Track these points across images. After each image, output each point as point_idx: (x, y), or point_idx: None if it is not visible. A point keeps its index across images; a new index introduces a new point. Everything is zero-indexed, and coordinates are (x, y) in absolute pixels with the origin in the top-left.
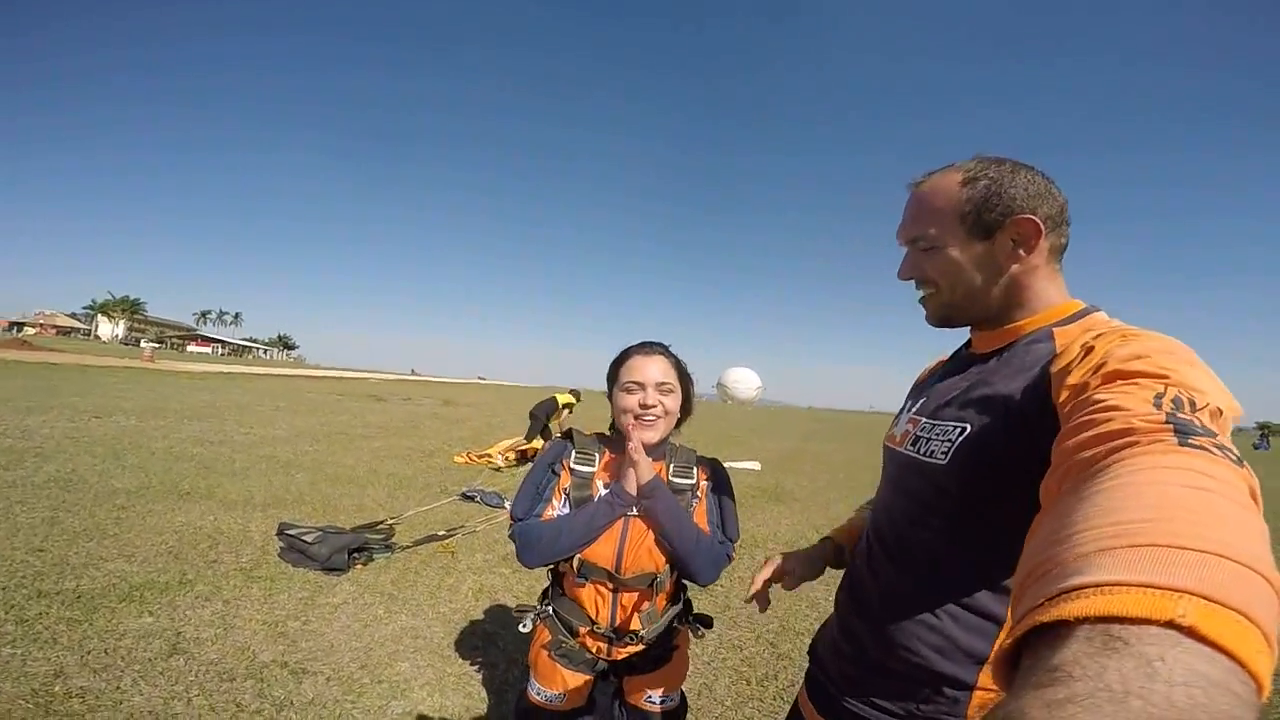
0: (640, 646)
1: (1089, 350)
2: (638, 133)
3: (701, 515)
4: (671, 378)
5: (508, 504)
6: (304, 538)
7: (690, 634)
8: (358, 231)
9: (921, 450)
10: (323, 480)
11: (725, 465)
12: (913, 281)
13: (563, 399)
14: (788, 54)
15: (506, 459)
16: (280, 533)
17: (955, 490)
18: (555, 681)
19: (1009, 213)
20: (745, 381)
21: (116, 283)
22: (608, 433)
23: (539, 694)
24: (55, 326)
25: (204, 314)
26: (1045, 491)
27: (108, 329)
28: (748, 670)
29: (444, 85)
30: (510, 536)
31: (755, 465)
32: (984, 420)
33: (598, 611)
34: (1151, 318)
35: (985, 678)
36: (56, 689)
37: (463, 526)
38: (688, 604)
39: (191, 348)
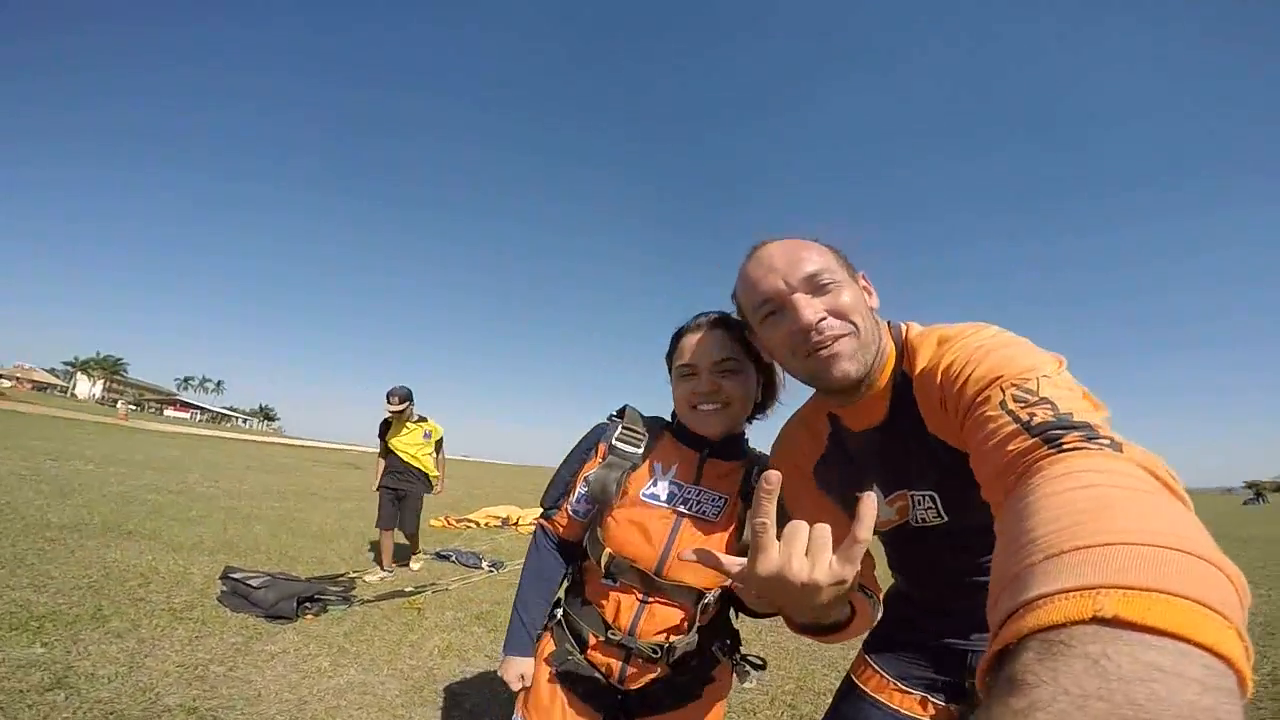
0: (662, 670)
1: (945, 377)
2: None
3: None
4: (735, 353)
5: (485, 563)
6: (249, 581)
7: (734, 674)
8: (351, 302)
9: (928, 519)
10: (284, 532)
11: None
12: (817, 327)
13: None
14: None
15: (488, 523)
16: (225, 575)
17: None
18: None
19: (852, 267)
20: None
21: (100, 341)
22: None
23: None
24: (32, 381)
25: (186, 380)
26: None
27: (85, 387)
28: None
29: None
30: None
31: None
32: (939, 478)
33: (617, 615)
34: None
35: None
36: None
37: (434, 584)
38: (735, 637)
39: (169, 412)
